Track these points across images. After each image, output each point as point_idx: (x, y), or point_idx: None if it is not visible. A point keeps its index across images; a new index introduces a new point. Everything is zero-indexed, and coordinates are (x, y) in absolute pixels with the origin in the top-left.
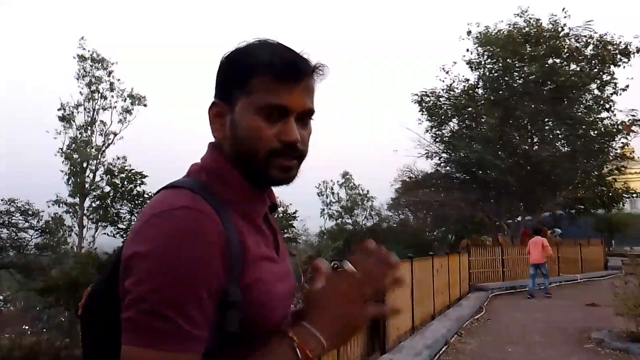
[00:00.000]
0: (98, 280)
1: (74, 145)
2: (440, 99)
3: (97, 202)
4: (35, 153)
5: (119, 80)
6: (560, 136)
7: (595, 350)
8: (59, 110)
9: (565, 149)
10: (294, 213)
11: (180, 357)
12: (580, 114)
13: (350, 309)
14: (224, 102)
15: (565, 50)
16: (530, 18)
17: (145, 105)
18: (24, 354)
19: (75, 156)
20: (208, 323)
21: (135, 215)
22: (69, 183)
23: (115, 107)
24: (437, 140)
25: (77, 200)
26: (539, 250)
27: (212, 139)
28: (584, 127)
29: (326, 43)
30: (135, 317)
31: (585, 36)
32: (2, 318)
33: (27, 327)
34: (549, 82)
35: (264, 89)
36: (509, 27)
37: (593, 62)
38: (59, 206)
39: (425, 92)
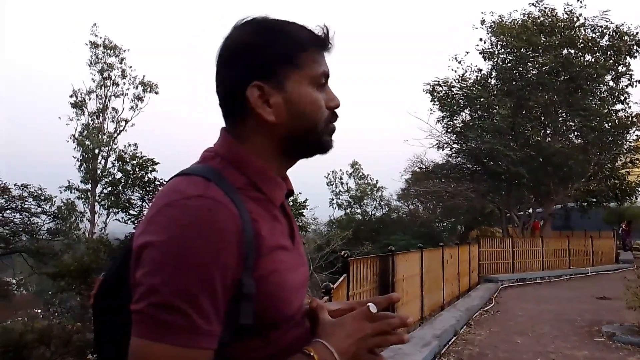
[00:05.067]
0: (109, 269)
1: (85, 131)
2: (453, 89)
3: (109, 189)
4: (48, 139)
5: (130, 67)
6: (573, 128)
7: (606, 343)
8: (71, 96)
9: (579, 140)
10: (304, 202)
11: (191, 353)
12: (594, 105)
13: (360, 345)
14: (267, 82)
15: (581, 41)
16: (545, 8)
17: (156, 93)
18: (36, 338)
19: (87, 143)
20: (221, 316)
21: (147, 201)
22: (81, 169)
23: (127, 94)
24: (449, 130)
25: (88, 186)
26: None
27: (223, 124)
28: (598, 118)
29: (337, 29)
30: (146, 309)
31: (601, 26)
32: (15, 302)
33: (39, 311)
34: (564, 73)
35: (313, 60)
36: (524, 16)
37: (608, 53)
38: (71, 192)
39: (438, 81)
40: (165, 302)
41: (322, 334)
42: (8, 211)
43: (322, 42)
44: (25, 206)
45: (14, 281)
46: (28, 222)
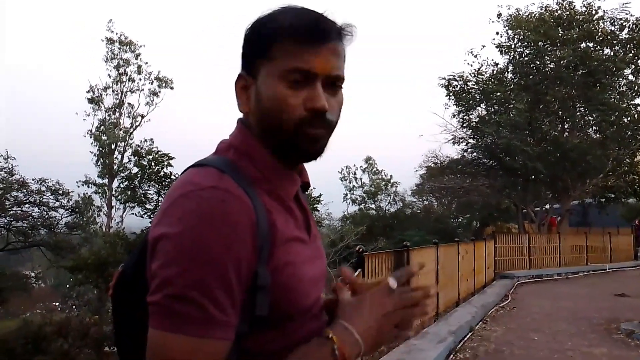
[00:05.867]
0: (127, 261)
1: (102, 127)
2: (468, 84)
3: (125, 183)
4: (65, 134)
5: (146, 63)
6: (591, 122)
7: (625, 341)
8: (87, 92)
9: (597, 135)
10: (318, 197)
11: (207, 343)
12: (613, 99)
13: (383, 322)
14: (249, 73)
15: (599, 34)
16: (563, 0)
17: (172, 88)
18: (55, 330)
19: (104, 138)
20: (237, 308)
21: (163, 196)
22: (98, 164)
23: (143, 89)
24: (464, 125)
25: (105, 181)
26: None
27: (240, 115)
28: (616, 113)
29: (361, 17)
30: (162, 301)
31: (620, 19)
32: (33, 294)
33: (57, 304)
34: (582, 67)
35: (287, 53)
36: (541, 9)
37: (628, 46)
38: (88, 186)
39: (453, 76)
40: (180, 293)
41: (342, 315)
42: (27, 205)
43: (300, 34)
44: (44, 200)
45: (32, 274)
46: (46, 216)
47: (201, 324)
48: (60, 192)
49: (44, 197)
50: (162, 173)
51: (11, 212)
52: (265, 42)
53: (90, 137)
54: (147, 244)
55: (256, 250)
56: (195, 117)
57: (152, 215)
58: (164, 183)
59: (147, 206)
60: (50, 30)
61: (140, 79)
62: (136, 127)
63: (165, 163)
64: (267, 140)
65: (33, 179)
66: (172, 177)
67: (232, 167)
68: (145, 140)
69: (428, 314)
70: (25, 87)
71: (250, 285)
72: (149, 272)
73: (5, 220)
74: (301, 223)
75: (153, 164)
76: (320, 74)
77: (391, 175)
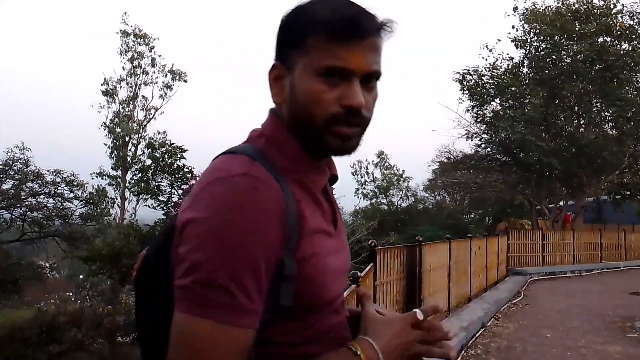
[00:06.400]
0: (152, 245)
1: (116, 119)
2: (483, 78)
3: (139, 175)
4: (80, 126)
5: (160, 56)
6: (608, 118)
7: None
8: (102, 85)
9: (613, 131)
10: None
11: (234, 330)
12: (630, 95)
13: (403, 351)
14: (283, 64)
15: (617, 28)
16: None
17: (185, 81)
18: (68, 320)
19: (118, 130)
20: (263, 296)
21: (176, 188)
22: (112, 156)
23: (157, 82)
24: (478, 120)
25: (119, 173)
26: None
27: (272, 105)
28: (633, 109)
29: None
30: (191, 285)
31: (639, 13)
32: (48, 285)
33: (71, 294)
34: (599, 62)
35: (322, 48)
36: (558, 3)
37: None
38: (102, 178)
39: (468, 70)
40: (210, 279)
41: (369, 331)
42: (42, 196)
43: (337, 30)
44: (59, 191)
45: (47, 264)
46: (61, 207)
47: (229, 310)
48: (75, 183)
49: (59, 188)
50: (175, 165)
51: (26, 203)
52: (299, 34)
53: (105, 129)
54: (173, 228)
55: (284, 239)
56: (208, 109)
57: (165, 207)
58: (177, 175)
59: (160, 198)
60: (67, 22)
61: (154, 72)
62: (150, 119)
63: (179, 155)
64: (298, 132)
65: (48, 170)
66: (185, 169)
67: (263, 156)
68: (159, 133)
69: (449, 357)
70: (41, 79)
71: (276, 274)
72: (176, 256)
73: (21, 211)
74: (328, 215)
75: (166, 156)
76: (358, 71)
77: (403, 170)
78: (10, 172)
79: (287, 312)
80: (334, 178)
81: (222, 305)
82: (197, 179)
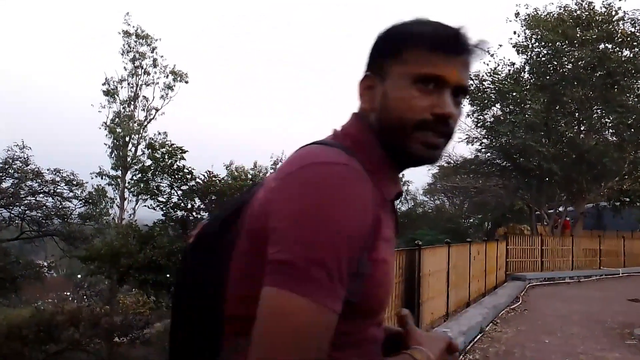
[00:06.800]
0: (215, 216)
1: (117, 119)
2: (484, 83)
3: (139, 176)
4: (80, 126)
5: (162, 56)
6: (609, 124)
7: (639, 346)
8: (103, 84)
9: (614, 138)
10: None
11: (326, 312)
12: (631, 102)
13: None
14: (375, 74)
15: (619, 35)
16: (583, 0)
17: (186, 82)
18: (66, 319)
19: (119, 130)
20: (345, 285)
21: (175, 189)
22: (112, 156)
23: (158, 83)
24: (479, 125)
25: (119, 173)
26: None
27: (357, 110)
28: (634, 116)
29: (366, 16)
30: (295, 260)
31: None
32: (46, 284)
33: (69, 294)
34: (600, 68)
35: (422, 58)
36: (560, 9)
37: None
38: (101, 178)
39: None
40: (316, 257)
41: (422, 342)
42: (41, 195)
43: (439, 42)
44: (58, 190)
45: (45, 263)
46: (60, 206)
47: (328, 292)
48: (75, 182)
49: (58, 187)
50: (175, 166)
51: (25, 202)
52: (399, 45)
53: (105, 129)
54: (243, 203)
55: (368, 236)
56: (209, 110)
57: (164, 208)
58: (177, 176)
59: (160, 199)
60: (68, 21)
61: (156, 72)
62: (150, 120)
63: (179, 156)
64: (384, 138)
65: (48, 169)
66: (185, 170)
67: (351, 153)
68: (159, 134)
69: None
70: (41, 78)
71: (354, 268)
72: (262, 228)
73: (20, 210)
74: (392, 227)
75: (166, 157)
76: (451, 82)
77: (403, 174)
78: (10, 171)
79: (345, 310)
80: (398, 194)
81: (322, 286)
82: (284, 160)
